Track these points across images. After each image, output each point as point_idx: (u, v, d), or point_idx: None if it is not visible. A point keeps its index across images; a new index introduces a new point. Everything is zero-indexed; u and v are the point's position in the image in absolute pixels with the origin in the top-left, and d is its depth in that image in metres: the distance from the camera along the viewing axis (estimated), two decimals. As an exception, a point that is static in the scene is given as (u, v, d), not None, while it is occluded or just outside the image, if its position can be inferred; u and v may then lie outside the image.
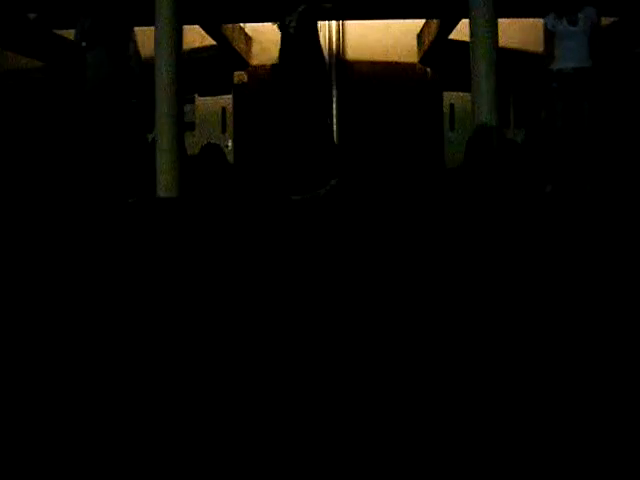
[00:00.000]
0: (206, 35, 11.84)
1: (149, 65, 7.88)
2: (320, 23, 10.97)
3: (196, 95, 13.70)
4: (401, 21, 12.68)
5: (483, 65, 7.57)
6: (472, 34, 7.77)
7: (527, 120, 12.58)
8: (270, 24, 10.74)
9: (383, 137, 13.41)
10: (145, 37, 8.06)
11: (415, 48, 13.65)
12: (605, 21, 11.69)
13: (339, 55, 13.56)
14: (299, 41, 6.02)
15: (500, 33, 7.76)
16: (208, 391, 1.23)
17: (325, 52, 13.50)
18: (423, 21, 12.74)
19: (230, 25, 12.12)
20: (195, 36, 11.83)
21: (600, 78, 6.20)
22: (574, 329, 1.60)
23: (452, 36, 11.39)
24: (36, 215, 5.36)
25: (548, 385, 1.22)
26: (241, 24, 12.81)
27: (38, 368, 1.38)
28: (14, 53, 12.23)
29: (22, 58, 12.55)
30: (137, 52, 6.27)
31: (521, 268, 2.45)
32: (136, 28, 6.47)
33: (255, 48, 13.66)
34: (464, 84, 8.46)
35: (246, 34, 13.33)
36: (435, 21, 11.91)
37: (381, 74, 13.62)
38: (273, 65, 6.29)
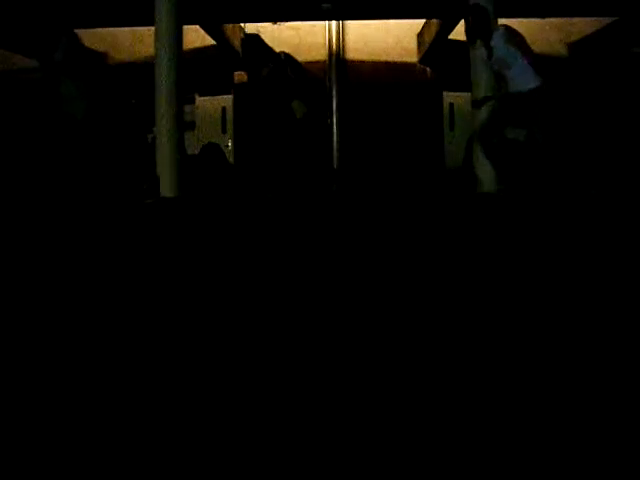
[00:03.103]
0: (206, 35, 11.83)
1: (149, 65, 7.88)
2: (320, 23, 10.97)
3: (196, 95, 13.68)
4: (401, 21, 12.67)
5: (483, 65, 7.57)
6: (472, 34, 7.76)
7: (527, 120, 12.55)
8: (270, 24, 10.76)
9: (383, 137, 13.40)
10: (145, 37, 8.06)
11: (415, 48, 13.64)
12: (605, 21, 11.71)
13: (339, 55, 13.55)
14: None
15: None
16: (208, 387, 1.23)
17: (325, 52, 13.46)
18: (423, 21, 12.73)
19: (230, 25, 12.11)
20: (195, 36, 11.82)
21: (526, 101, 6.02)
22: (573, 328, 1.61)
23: (452, 36, 11.38)
24: (40, 216, 5.36)
25: (551, 384, 1.22)
26: (241, 24, 12.80)
27: (48, 365, 1.38)
28: (13, 53, 12.22)
29: (22, 58, 12.53)
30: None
31: (521, 269, 2.45)
32: (136, 28, 6.47)
33: (255, 48, 13.63)
34: (464, 84, 8.45)
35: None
36: (435, 21, 11.90)
37: (381, 74, 13.61)
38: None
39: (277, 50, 12.53)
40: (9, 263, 2.77)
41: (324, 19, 12.27)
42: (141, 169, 6.22)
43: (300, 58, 12.10)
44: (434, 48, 12.42)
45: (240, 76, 14.03)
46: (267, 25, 13.11)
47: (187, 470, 0.93)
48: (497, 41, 5.88)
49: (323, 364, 1.38)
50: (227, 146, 13.66)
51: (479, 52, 6.07)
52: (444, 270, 2.45)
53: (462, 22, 9.64)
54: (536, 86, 5.83)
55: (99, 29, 11.27)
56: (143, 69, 7.45)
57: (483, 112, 7.47)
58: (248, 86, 13.45)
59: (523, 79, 5.84)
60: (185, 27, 8.38)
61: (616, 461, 0.94)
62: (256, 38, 6.18)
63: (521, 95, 5.85)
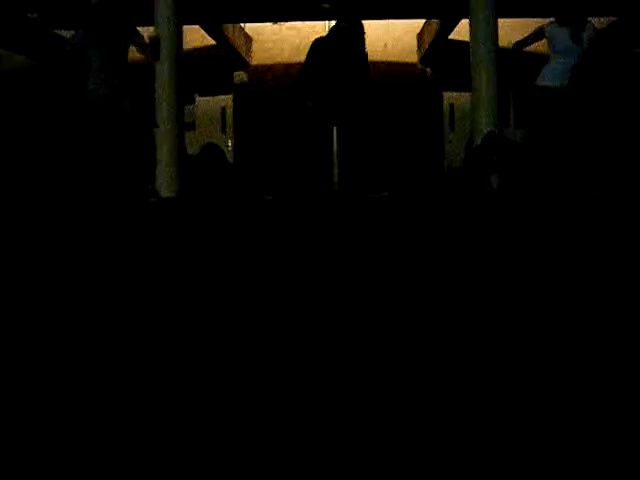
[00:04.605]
0: (206, 35, 11.83)
1: (149, 65, 7.88)
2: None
3: (196, 95, 13.69)
4: (401, 21, 12.67)
5: (483, 65, 7.58)
6: (472, 34, 7.78)
7: (527, 120, 12.55)
8: (270, 24, 10.68)
9: (383, 137, 13.40)
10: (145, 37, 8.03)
11: (415, 48, 13.65)
12: (605, 21, 11.71)
13: (339, 55, 13.55)
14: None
15: (500, 33, 7.76)
16: (208, 389, 1.22)
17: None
18: (423, 21, 12.74)
19: (230, 25, 12.11)
20: (195, 36, 11.82)
21: (591, 91, 6.10)
22: (574, 330, 1.60)
23: (452, 36, 11.39)
24: (42, 215, 5.35)
25: (553, 385, 1.22)
26: (241, 24, 12.80)
27: (48, 364, 1.38)
28: (13, 53, 12.23)
29: (22, 58, 12.55)
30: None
31: (522, 270, 2.45)
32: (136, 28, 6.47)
33: (255, 48, 13.64)
34: (464, 84, 8.45)
35: (246, 34, 13.32)
36: (435, 21, 11.91)
37: (381, 74, 13.62)
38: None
39: (277, 51, 12.54)
40: (10, 258, 2.77)
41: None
42: (145, 167, 6.18)
43: (299, 58, 12.09)
44: (434, 48, 12.43)
45: (240, 76, 14.04)
46: (267, 25, 13.12)
47: (187, 470, 0.93)
48: (587, 35, 5.98)
49: (324, 368, 1.37)
50: (227, 146, 13.67)
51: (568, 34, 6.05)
52: (446, 269, 2.44)
53: (462, 22, 9.65)
54: (565, 84, 5.96)
55: (99, 29, 11.25)
56: (143, 69, 7.44)
57: (483, 113, 7.46)
58: (247, 86, 13.45)
59: (564, 75, 5.97)
60: (185, 27, 8.38)
61: (616, 461, 0.93)
62: None
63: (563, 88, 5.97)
